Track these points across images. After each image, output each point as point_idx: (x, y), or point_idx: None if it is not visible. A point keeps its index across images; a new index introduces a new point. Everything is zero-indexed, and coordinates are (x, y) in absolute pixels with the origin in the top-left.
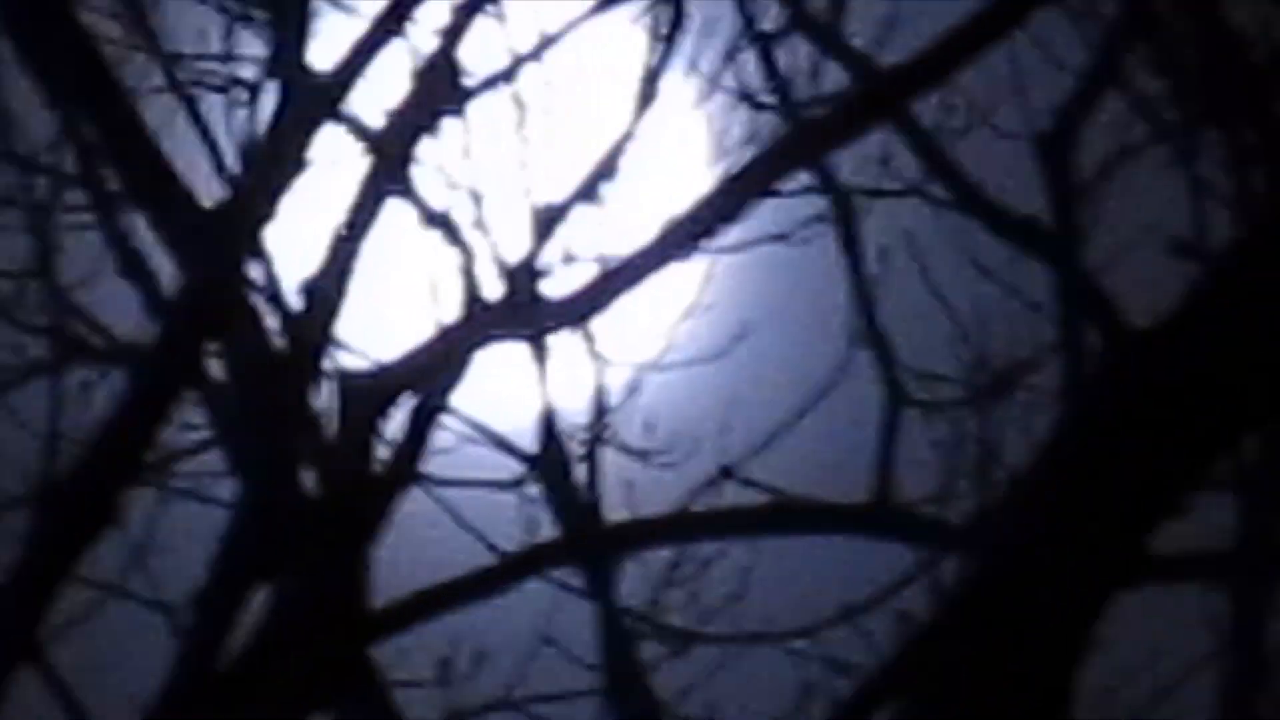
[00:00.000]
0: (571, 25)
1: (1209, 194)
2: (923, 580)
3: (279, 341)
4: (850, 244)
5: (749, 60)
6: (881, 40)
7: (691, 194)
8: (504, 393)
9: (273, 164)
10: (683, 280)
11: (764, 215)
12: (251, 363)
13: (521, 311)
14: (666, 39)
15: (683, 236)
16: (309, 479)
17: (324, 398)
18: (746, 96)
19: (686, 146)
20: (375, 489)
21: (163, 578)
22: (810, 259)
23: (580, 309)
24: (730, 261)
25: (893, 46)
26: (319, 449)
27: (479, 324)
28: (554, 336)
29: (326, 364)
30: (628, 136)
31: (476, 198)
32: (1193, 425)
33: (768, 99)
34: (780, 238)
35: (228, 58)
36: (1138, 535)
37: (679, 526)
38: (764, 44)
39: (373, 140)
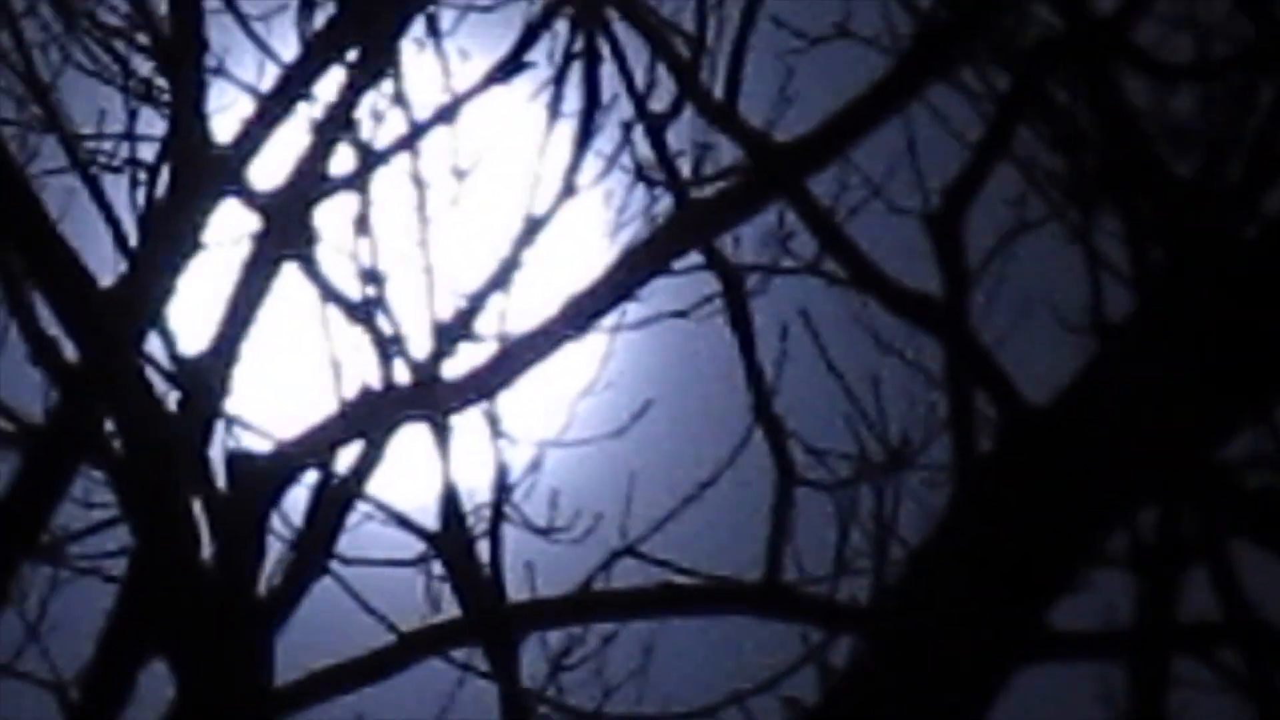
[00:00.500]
0: (466, 97)
1: (1105, 268)
2: (814, 661)
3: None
4: (740, 322)
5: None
6: (775, 116)
7: (587, 269)
8: (404, 467)
9: (169, 241)
10: (583, 356)
11: (665, 291)
12: (142, 441)
13: (425, 393)
14: (581, 132)
15: (581, 314)
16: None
17: (219, 477)
18: (640, 174)
19: (581, 221)
20: (284, 577)
21: (57, 657)
22: (712, 334)
23: (483, 388)
24: (631, 338)
25: (787, 122)
26: (213, 528)
27: (384, 406)
28: (456, 415)
29: (221, 442)
30: (540, 224)
31: (377, 277)
32: (1087, 501)
33: (660, 176)
34: (679, 314)
35: (128, 136)
36: (1034, 612)
37: (577, 607)
38: (656, 123)
39: (262, 206)
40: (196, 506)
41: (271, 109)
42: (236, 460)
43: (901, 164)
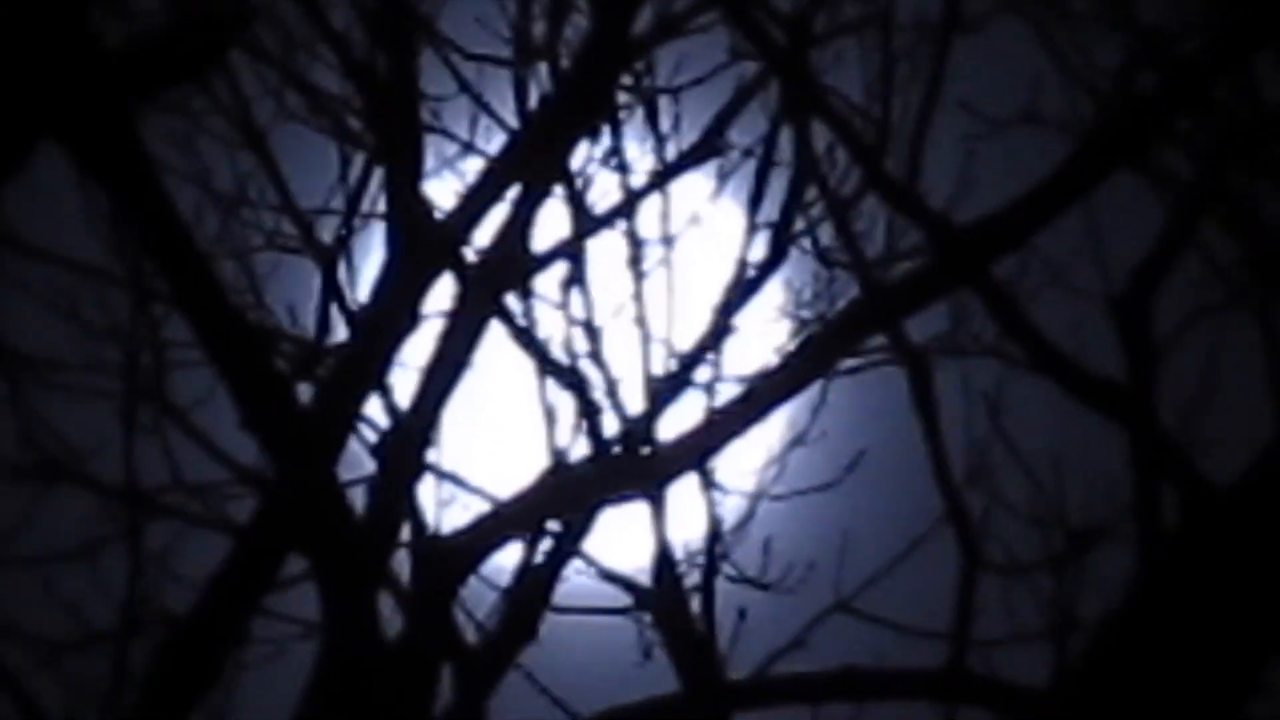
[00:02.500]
0: (666, 176)
1: None
2: None
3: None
4: (925, 406)
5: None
6: (957, 199)
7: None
8: (614, 523)
9: (389, 316)
10: (795, 407)
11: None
12: (331, 540)
13: (638, 465)
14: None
15: (776, 389)
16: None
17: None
18: (821, 256)
19: (769, 300)
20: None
21: None
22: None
23: (695, 456)
24: (844, 387)
25: (968, 204)
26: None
27: (594, 484)
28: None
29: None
30: (751, 292)
31: (593, 330)
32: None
33: (841, 258)
34: (891, 362)
35: (349, 214)
36: (1225, 702)
37: (768, 692)
38: (839, 207)
39: (469, 270)
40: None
41: (492, 180)
42: (425, 543)
43: (1082, 247)
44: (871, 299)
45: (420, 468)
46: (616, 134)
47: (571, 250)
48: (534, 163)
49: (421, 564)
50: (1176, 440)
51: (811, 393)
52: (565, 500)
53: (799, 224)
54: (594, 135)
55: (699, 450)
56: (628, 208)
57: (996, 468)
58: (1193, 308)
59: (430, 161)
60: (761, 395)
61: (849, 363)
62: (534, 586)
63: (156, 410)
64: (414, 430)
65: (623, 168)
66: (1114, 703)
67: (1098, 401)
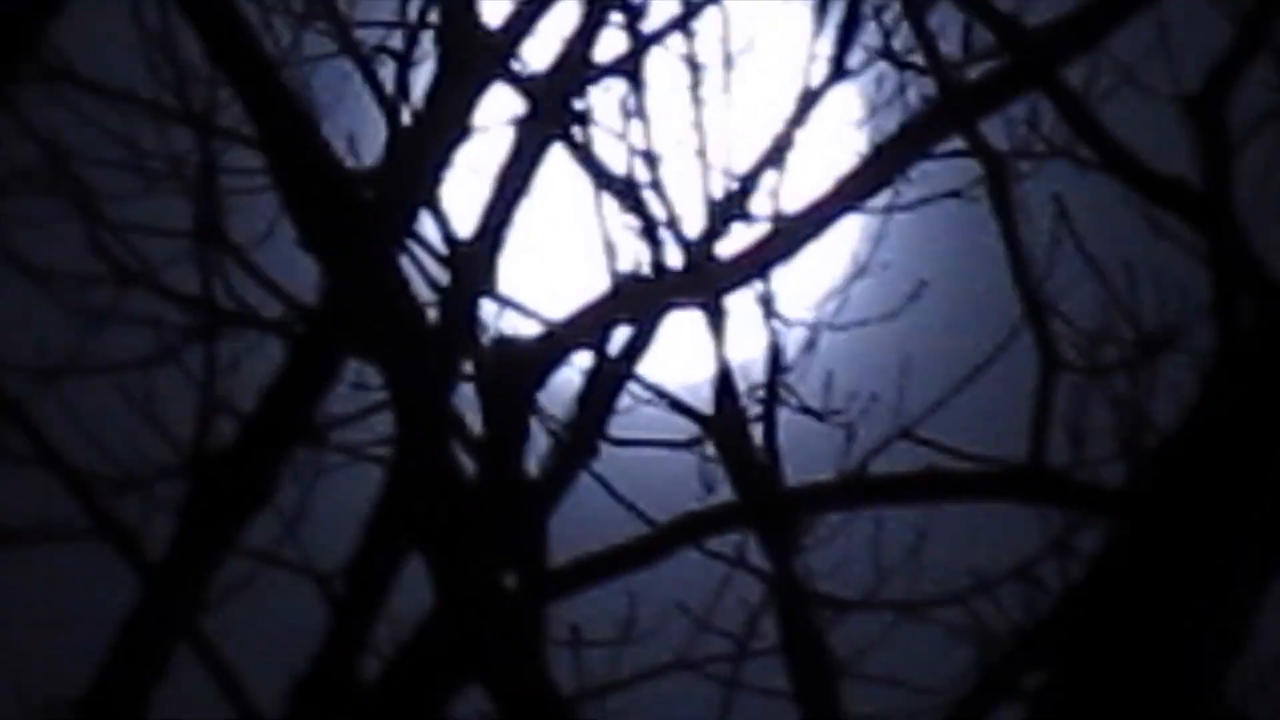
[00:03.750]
0: None
1: None
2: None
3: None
4: (1003, 207)
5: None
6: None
7: (848, 153)
8: (676, 347)
9: (437, 126)
10: (857, 237)
11: (939, 171)
12: (400, 335)
13: (697, 277)
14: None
15: (848, 195)
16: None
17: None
18: (893, 57)
19: (843, 106)
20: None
21: (316, 547)
22: (986, 214)
23: (756, 266)
24: (905, 219)
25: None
26: (481, 413)
27: (655, 291)
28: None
29: (484, 329)
30: (810, 104)
31: (652, 158)
32: None
33: (915, 60)
34: (953, 194)
35: (397, 24)
36: None
37: (848, 492)
38: (914, 10)
39: (530, 89)
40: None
41: None
42: (501, 345)
43: (1155, 47)
44: (948, 98)
45: (489, 279)
46: None
47: (628, 67)
48: None
49: (494, 369)
50: (1249, 243)
51: (873, 225)
52: (628, 308)
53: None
54: None
55: (760, 261)
56: (683, 23)
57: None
58: (1263, 109)
59: None
60: (825, 206)
61: (911, 197)
62: (593, 403)
63: (217, 247)
64: (485, 238)
65: None
66: (1188, 501)
67: (1168, 201)
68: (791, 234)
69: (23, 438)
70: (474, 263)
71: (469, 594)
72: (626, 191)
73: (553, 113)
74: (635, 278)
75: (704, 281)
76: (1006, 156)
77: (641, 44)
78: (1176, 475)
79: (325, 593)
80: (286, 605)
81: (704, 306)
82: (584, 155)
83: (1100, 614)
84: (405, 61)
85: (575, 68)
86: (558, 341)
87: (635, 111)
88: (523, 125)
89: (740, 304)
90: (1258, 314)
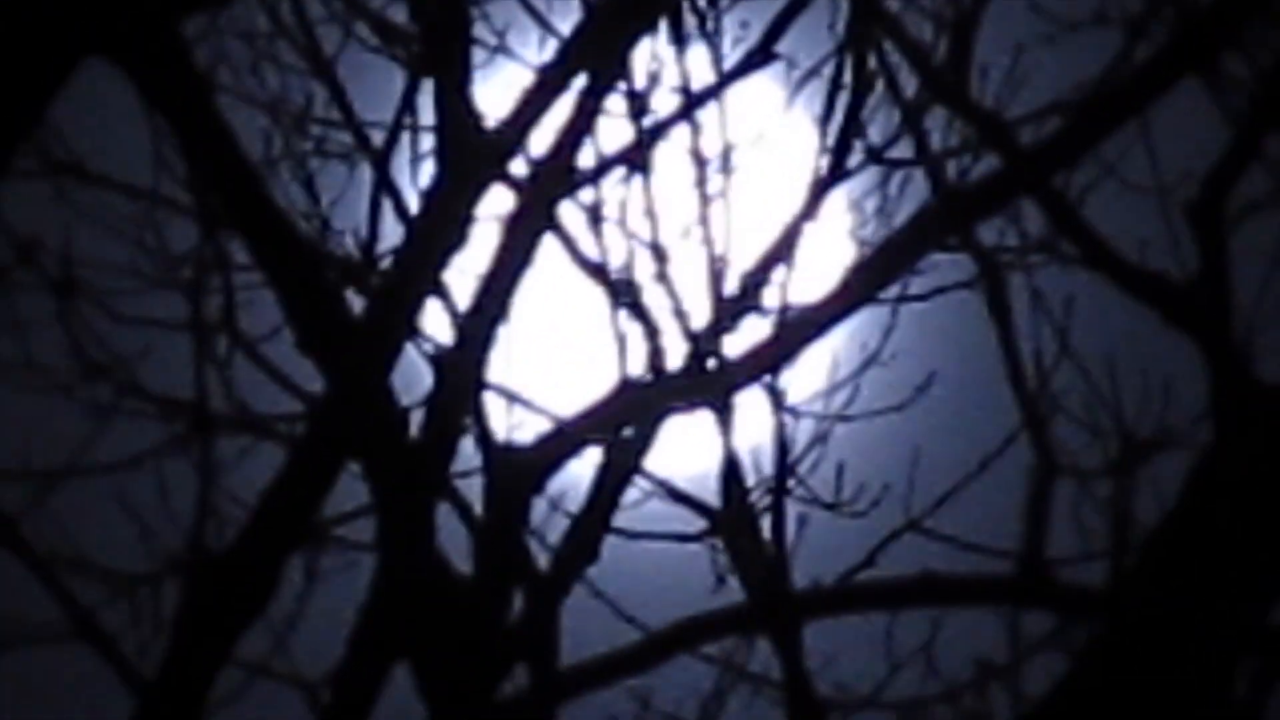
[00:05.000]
0: (724, 82)
1: None
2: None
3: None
4: (998, 307)
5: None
6: (1018, 100)
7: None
8: (684, 435)
9: (438, 228)
10: (867, 329)
11: (950, 262)
12: (387, 446)
13: (706, 379)
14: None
15: (850, 294)
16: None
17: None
18: (885, 160)
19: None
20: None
21: (304, 655)
22: None
23: (764, 366)
24: (915, 309)
25: (1030, 103)
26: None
27: (660, 394)
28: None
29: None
30: (817, 201)
31: (659, 252)
32: None
33: (906, 159)
34: (963, 285)
35: (396, 126)
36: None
37: (843, 598)
38: (910, 111)
39: (519, 183)
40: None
41: (544, 87)
42: (495, 454)
43: (1136, 143)
44: (945, 199)
45: (479, 379)
46: (680, 36)
47: (631, 159)
48: (588, 63)
49: (492, 476)
50: (1233, 345)
51: (883, 315)
52: (632, 412)
53: (864, 133)
54: (651, 32)
55: (767, 361)
56: (687, 115)
57: (1061, 376)
58: (1248, 204)
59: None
60: (830, 305)
61: (920, 286)
62: (596, 505)
63: (227, 341)
64: (471, 341)
65: (683, 76)
66: (1174, 601)
67: (1162, 302)
68: (799, 330)
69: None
70: (460, 367)
71: (457, 703)
72: (626, 289)
73: (544, 206)
74: (637, 382)
75: (712, 383)
76: (999, 254)
77: (646, 135)
78: (1164, 576)
79: (311, 703)
80: (274, 714)
81: (712, 405)
82: (578, 251)
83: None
84: (414, 159)
85: (568, 159)
86: (557, 445)
87: (641, 204)
88: (511, 221)
89: (749, 394)
90: (1250, 415)
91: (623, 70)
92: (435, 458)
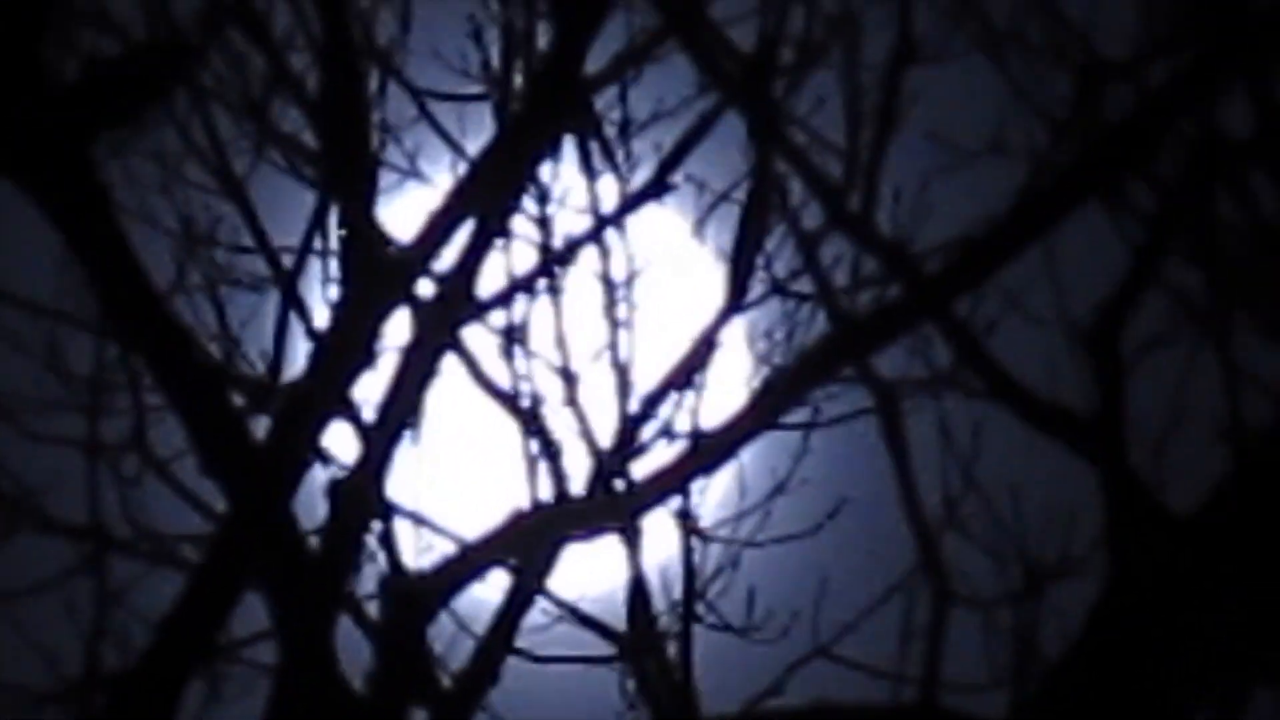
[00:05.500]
0: (622, 212)
1: (1244, 378)
2: None
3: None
4: (894, 438)
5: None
6: (922, 229)
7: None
8: (590, 557)
9: (342, 348)
10: (777, 453)
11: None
12: (286, 563)
13: (609, 502)
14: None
15: (750, 421)
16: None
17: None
18: (785, 291)
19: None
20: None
21: None
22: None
23: (667, 490)
24: (826, 434)
25: (933, 233)
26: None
27: (563, 517)
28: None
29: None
30: (709, 347)
31: (569, 376)
32: (1236, 612)
33: (805, 291)
34: (868, 411)
35: (305, 249)
36: None
37: None
38: (806, 240)
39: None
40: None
41: (451, 207)
42: (390, 584)
43: (1040, 275)
44: (840, 332)
45: (375, 506)
46: (586, 161)
47: (531, 284)
48: (492, 189)
49: (389, 603)
50: (1137, 473)
51: (793, 439)
52: (536, 536)
53: (764, 259)
54: (554, 156)
55: (672, 484)
56: (595, 237)
57: (965, 503)
58: (1153, 335)
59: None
60: (735, 429)
61: (826, 413)
62: (499, 627)
63: (137, 460)
64: (371, 462)
65: (592, 198)
66: None
67: (1061, 432)
68: (704, 454)
69: None
70: (360, 487)
71: None
72: (531, 413)
73: (446, 327)
74: (538, 506)
75: (616, 507)
76: (895, 386)
77: (553, 257)
78: (1064, 706)
79: None
80: None
81: (617, 529)
82: (483, 375)
83: None
84: (323, 281)
85: (470, 280)
86: (458, 569)
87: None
88: (412, 342)
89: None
90: (1150, 543)
91: (529, 190)
92: (334, 579)
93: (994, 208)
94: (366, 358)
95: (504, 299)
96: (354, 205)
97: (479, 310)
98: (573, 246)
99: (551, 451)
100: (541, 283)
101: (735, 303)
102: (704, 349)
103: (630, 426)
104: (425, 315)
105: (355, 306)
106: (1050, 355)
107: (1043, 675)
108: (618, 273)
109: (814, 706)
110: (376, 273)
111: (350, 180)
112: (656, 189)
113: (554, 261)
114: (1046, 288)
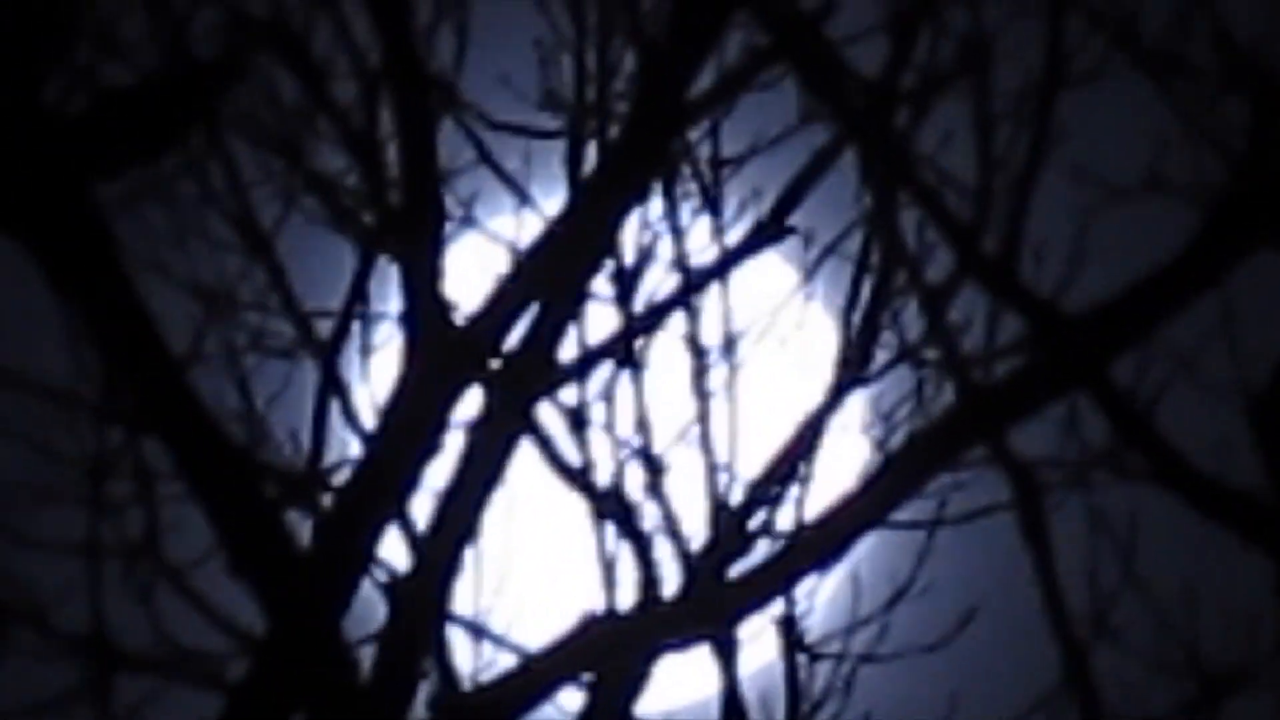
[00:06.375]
0: (728, 263)
1: None
2: None
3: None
4: (1034, 531)
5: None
6: (1068, 281)
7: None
8: (676, 671)
9: (405, 437)
10: (899, 555)
11: (994, 480)
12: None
13: (699, 609)
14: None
15: (859, 512)
16: None
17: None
18: (910, 357)
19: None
20: None
21: None
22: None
23: (766, 595)
24: (954, 533)
25: (1082, 286)
26: None
27: (646, 627)
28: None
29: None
30: (817, 428)
31: (652, 461)
32: None
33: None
34: (1007, 506)
35: (346, 315)
36: None
37: None
38: (932, 297)
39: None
40: None
41: (524, 272)
42: (444, 703)
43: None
44: (971, 404)
45: (439, 614)
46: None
47: (620, 351)
48: (575, 252)
49: None
50: None
51: (916, 537)
52: (613, 647)
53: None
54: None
55: (770, 589)
56: (684, 299)
57: (1121, 608)
58: None
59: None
60: (841, 522)
61: (955, 504)
62: None
63: (149, 568)
64: (432, 569)
65: (680, 253)
66: None
67: (1231, 520)
68: (808, 553)
69: None
70: (419, 598)
71: None
72: (613, 502)
73: (519, 408)
74: (615, 614)
75: (708, 614)
76: (1038, 469)
77: (637, 323)
78: None
79: None
80: None
81: (711, 639)
82: (558, 459)
83: None
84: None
85: (547, 353)
86: (525, 686)
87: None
88: (480, 426)
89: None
90: None
91: (611, 248)
92: (390, 704)
93: (1155, 255)
94: (432, 446)
95: (579, 371)
96: (419, 267)
97: (555, 385)
98: (665, 306)
99: (635, 547)
100: (627, 350)
101: (856, 374)
102: (814, 428)
103: (725, 520)
104: (497, 393)
105: (419, 386)
106: (1225, 430)
107: None
108: (712, 337)
109: None
110: (444, 346)
111: (414, 236)
112: (771, 232)
113: (642, 325)
114: (1220, 350)
